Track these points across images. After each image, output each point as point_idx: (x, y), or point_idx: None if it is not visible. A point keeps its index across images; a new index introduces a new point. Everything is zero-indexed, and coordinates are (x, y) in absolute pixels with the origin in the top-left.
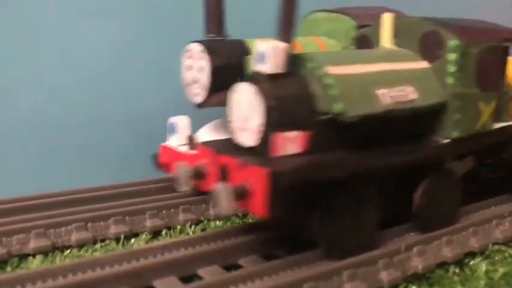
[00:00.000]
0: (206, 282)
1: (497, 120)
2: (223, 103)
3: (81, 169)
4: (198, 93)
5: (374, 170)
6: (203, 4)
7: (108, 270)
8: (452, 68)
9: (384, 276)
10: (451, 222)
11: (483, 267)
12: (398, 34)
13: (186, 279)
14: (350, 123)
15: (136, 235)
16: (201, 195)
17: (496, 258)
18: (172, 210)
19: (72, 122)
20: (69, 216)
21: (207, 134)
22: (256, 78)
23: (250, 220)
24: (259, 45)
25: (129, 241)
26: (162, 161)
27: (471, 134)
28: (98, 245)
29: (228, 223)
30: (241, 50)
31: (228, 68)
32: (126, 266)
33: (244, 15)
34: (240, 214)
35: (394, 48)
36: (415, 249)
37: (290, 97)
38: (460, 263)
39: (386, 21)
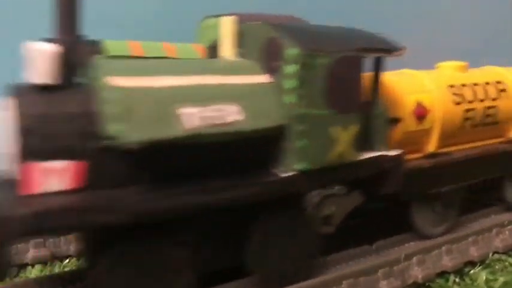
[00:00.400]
0: None
1: (365, 149)
2: None
3: None
4: None
5: (177, 211)
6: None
7: None
8: (291, 84)
9: (384, 285)
10: (307, 275)
11: (483, 276)
12: (243, 42)
13: None
14: (138, 150)
15: None
16: None
17: (496, 267)
18: None
19: None
20: None
21: None
22: (18, 91)
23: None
24: (26, 48)
25: None
26: None
27: (325, 167)
28: None
29: None
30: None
31: None
32: None
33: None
34: None
35: (232, 58)
36: (414, 259)
37: (56, 116)
38: (460, 272)
39: (224, 27)
